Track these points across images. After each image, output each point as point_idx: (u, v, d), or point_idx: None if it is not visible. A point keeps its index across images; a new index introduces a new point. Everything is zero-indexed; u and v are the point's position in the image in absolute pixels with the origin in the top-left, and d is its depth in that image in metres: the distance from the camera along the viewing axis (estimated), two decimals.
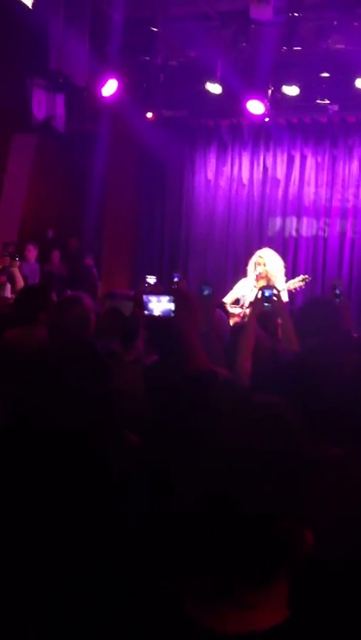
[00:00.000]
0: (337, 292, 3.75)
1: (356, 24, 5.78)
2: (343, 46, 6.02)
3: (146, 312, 2.23)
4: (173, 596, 1.06)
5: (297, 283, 5.87)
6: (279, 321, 3.62)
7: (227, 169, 8.45)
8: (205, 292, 3.31)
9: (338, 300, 3.68)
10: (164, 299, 2.20)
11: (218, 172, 8.49)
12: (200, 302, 3.30)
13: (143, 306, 2.22)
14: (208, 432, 1.17)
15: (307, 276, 5.96)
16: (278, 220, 8.30)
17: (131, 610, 1.15)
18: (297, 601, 1.06)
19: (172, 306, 2.16)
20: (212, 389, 1.89)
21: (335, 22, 5.85)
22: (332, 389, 1.48)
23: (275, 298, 3.59)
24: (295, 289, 5.90)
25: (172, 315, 2.15)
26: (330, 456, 1.56)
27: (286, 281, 6.03)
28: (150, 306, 2.22)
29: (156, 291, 2.51)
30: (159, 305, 2.21)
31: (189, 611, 1.00)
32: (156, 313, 2.21)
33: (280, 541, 0.99)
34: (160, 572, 1.20)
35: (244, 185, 8.41)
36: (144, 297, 2.23)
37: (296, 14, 5.52)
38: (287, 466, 1.04)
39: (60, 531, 1.46)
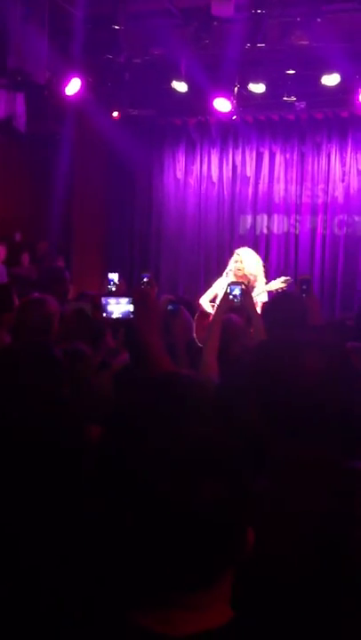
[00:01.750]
0: (304, 287, 3.74)
1: (319, 20, 5.77)
2: (307, 43, 6.01)
3: (104, 314, 2.19)
4: (118, 603, 1.04)
5: (279, 284, 5.83)
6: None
7: (196, 167, 8.43)
8: (170, 308, 3.31)
9: (305, 296, 3.67)
10: (123, 300, 2.16)
11: (187, 171, 8.46)
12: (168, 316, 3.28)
13: (102, 308, 2.18)
14: (157, 434, 1.14)
15: (288, 278, 5.92)
16: (249, 218, 8.30)
17: (77, 619, 1.12)
18: (241, 600, 1.04)
19: (130, 307, 2.12)
20: (171, 392, 1.85)
21: (298, 19, 5.84)
22: (291, 386, 1.45)
23: (244, 294, 3.58)
24: (277, 290, 5.86)
25: (131, 316, 2.11)
26: (295, 456, 1.52)
27: (267, 282, 6.02)
28: (109, 308, 2.17)
29: (117, 292, 2.46)
30: (118, 307, 2.17)
31: (133, 617, 0.98)
32: (115, 315, 2.17)
33: (222, 543, 0.97)
34: (105, 579, 1.17)
35: (213, 183, 8.39)
36: (102, 299, 2.19)
37: (259, 11, 5.49)
38: (233, 467, 1.02)
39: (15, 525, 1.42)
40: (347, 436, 1.91)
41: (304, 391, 1.41)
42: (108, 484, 1.44)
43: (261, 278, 5.80)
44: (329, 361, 1.48)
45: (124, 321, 2.16)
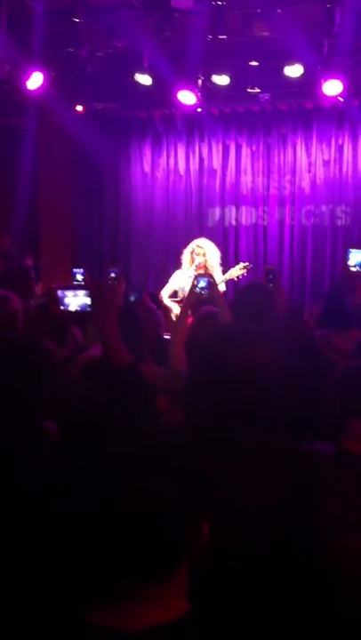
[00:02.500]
0: (270, 276, 3.77)
1: (279, 11, 5.78)
2: (269, 34, 6.02)
3: (62, 307, 2.17)
4: (72, 599, 1.04)
5: (238, 271, 5.87)
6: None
7: (163, 160, 8.40)
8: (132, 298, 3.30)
9: (271, 285, 3.70)
10: (81, 293, 2.15)
11: (154, 164, 8.44)
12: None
13: (58, 301, 2.16)
14: (109, 430, 1.14)
15: (247, 264, 5.97)
16: (217, 210, 8.31)
17: (32, 616, 1.12)
18: (198, 594, 1.04)
19: (88, 300, 2.10)
20: (128, 384, 1.85)
21: (259, 10, 5.84)
22: (241, 376, 1.45)
23: (210, 285, 3.59)
24: (238, 277, 5.90)
25: (89, 309, 2.09)
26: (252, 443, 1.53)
27: (225, 271, 6.03)
28: (66, 301, 2.16)
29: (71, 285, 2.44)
30: (75, 299, 2.15)
31: (87, 614, 0.98)
32: (72, 308, 2.15)
33: (174, 538, 0.97)
34: (60, 575, 1.16)
35: (181, 176, 8.38)
36: (59, 292, 2.17)
37: (219, 2, 5.48)
38: (185, 462, 1.02)
39: None
40: (308, 420, 1.94)
41: (254, 380, 1.42)
42: (61, 479, 1.44)
43: (219, 268, 5.82)
44: (280, 350, 1.50)
45: (81, 313, 2.15)
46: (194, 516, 1.01)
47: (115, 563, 0.96)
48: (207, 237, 6.99)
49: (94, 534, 0.99)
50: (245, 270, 5.88)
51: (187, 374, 2.62)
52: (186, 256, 5.85)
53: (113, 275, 4.30)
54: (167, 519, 0.96)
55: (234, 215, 8.26)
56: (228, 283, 5.90)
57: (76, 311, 2.16)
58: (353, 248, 3.97)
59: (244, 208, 8.23)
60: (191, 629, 0.98)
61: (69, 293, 2.17)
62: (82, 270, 4.01)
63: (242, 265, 5.92)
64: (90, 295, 2.08)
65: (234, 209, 8.25)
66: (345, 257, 3.99)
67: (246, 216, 8.23)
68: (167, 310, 5.68)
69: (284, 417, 1.70)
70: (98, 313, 2.00)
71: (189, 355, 2.84)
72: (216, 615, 1.03)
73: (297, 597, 1.15)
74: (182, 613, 0.99)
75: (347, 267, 3.89)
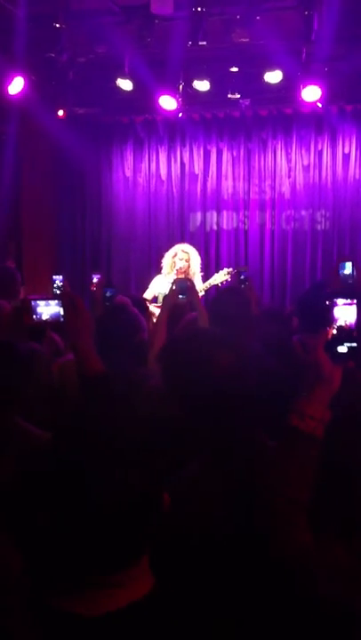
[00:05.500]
0: (242, 277, 3.82)
1: (258, 18, 5.86)
2: (248, 40, 6.10)
3: (34, 317, 2.20)
4: (36, 585, 1.04)
5: (222, 277, 5.89)
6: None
7: (144, 165, 8.44)
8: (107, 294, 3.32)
9: (243, 286, 3.74)
10: (53, 302, 2.17)
11: (136, 169, 8.47)
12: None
13: (31, 311, 2.18)
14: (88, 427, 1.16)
15: (231, 269, 5.99)
16: (199, 215, 8.37)
17: None
18: (160, 565, 1.06)
19: (60, 309, 2.13)
20: (103, 393, 1.88)
21: (238, 17, 5.91)
22: (200, 381, 1.49)
23: (189, 290, 3.62)
24: (222, 283, 5.91)
25: (61, 319, 2.12)
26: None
27: (207, 276, 6.07)
28: (39, 310, 2.18)
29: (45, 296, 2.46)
30: (48, 309, 2.18)
31: (54, 600, 0.98)
32: (44, 317, 2.18)
33: (140, 528, 0.99)
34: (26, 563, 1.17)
35: (162, 181, 8.42)
36: (32, 302, 2.19)
37: (199, 9, 5.54)
38: (151, 458, 1.04)
39: None
40: (273, 420, 1.97)
41: (214, 384, 1.46)
42: (34, 474, 1.46)
43: (199, 275, 5.84)
44: (239, 354, 1.54)
45: (52, 323, 2.18)
46: (157, 509, 1.02)
47: (80, 552, 0.97)
48: (189, 242, 7.05)
49: (59, 524, 0.99)
50: (229, 276, 5.91)
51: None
52: (167, 260, 5.87)
53: (95, 279, 4.32)
54: (136, 508, 0.98)
55: (215, 220, 8.32)
56: (210, 288, 5.92)
57: (47, 320, 2.19)
58: (344, 261, 3.92)
59: (225, 213, 8.29)
60: (158, 603, 0.99)
61: (42, 303, 2.20)
62: (61, 277, 4.02)
63: (226, 271, 5.94)
64: (62, 305, 2.11)
65: (215, 213, 8.32)
66: (337, 269, 3.90)
67: (227, 221, 8.30)
68: (151, 315, 5.71)
69: (256, 415, 1.74)
70: (70, 323, 2.04)
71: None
72: (180, 586, 1.06)
73: (246, 579, 1.18)
74: (149, 588, 1.00)
75: (339, 276, 3.83)
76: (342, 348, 1.45)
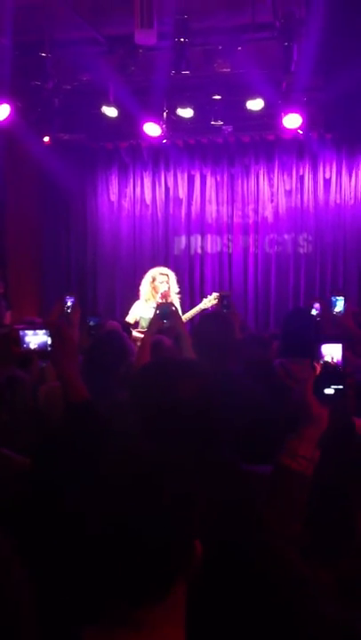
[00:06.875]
0: (225, 302, 3.86)
1: (240, 48, 6.02)
2: (230, 70, 6.25)
3: (24, 346, 2.22)
4: (71, 626, 1.02)
5: (212, 301, 5.84)
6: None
7: (129, 190, 8.55)
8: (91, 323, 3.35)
9: (226, 311, 3.79)
10: (40, 332, 2.20)
11: (120, 194, 8.57)
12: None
13: (20, 341, 2.21)
14: (91, 457, 1.16)
15: (219, 294, 5.95)
16: (183, 239, 8.47)
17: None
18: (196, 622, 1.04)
19: (47, 339, 2.16)
20: (87, 420, 1.91)
21: (220, 47, 6.07)
22: (168, 413, 1.51)
23: (172, 315, 3.65)
24: (211, 307, 5.86)
25: (48, 348, 2.15)
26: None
27: (191, 300, 6.10)
28: (27, 339, 2.21)
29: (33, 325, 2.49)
30: (36, 338, 2.21)
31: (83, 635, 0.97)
32: (33, 346, 2.21)
33: (162, 556, 0.97)
34: (54, 601, 1.16)
35: (147, 205, 8.52)
36: (20, 332, 2.22)
37: (182, 39, 5.69)
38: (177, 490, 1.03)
39: None
40: (265, 440, 2.01)
41: (179, 414, 1.49)
42: (41, 508, 1.48)
43: (177, 296, 5.85)
44: (202, 386, 1.57)
45: (40, 352, 2.22)
46: (179, 536, 0.99)
47: (100, 583, 0.96)
48: (173, 265, 7.11)
49: (70, 558, 0.98)
50: (217, 301, 5.86)
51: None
52: (145, 287, 5.84)
53: (69, 302, 4.32)
54: (149, 538, 0.96)
55: (199, 243, 8.42)
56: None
57: (35, 349, 2.23)
58: (336, 295, 3.94)
59: (209, 236, 8.40)
60: None
61: (29, 332, 2.24)
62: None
63: (214, 295, 5.89)
64: (49, 334, 2.15)
65: (199, 237, 8.42)
66: (330, 305, 3.90)
67: (211, 244, 8.40)
68: (135, 340, 5.72)
69: (238, 439, 1.78)
70: (56, 351, 2.07)
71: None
72: None
73: (233, 605, 1.19)
74: None
75: (331, 314, 3.83)
76: (329, 390, 1.50)
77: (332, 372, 1.53)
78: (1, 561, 1.05)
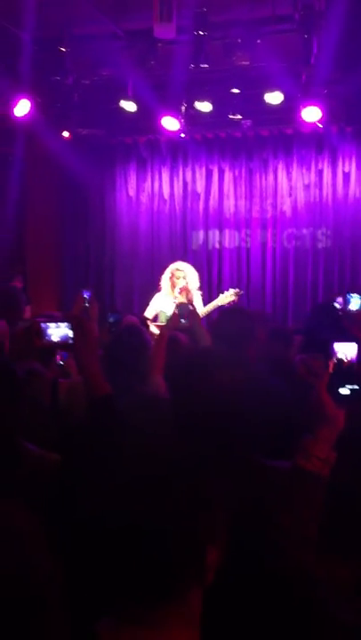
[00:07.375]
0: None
1: (259, 41, 5.99)
2: (249, 63, 6.22)
3: (45, 339, 2.23)
4: (86, 620, 1.03)
5: (229, 297, 5.78)
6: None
7: (147, 185, 8.55)
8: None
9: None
10: (63, 324, 2.21)
11: (139, 189, 8.58)
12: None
13: (42, 334, 2.22)
14: (112, 453, 1.17)
15: (238, 290, 5.91)
16: (201, 233, 8.45)
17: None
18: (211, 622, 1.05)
19: (69, 331, 2.17)
20: (109, 414, 1.92)
21: (239, 40, 6.04)
22: (201, 400, 1.52)
23: (192, 314, 3.67)
24: (229, 303, 5.80)
25: (70, 341, 2.16)
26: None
27: (208, 295, 6.08)
28: (49, 332, 2.22)
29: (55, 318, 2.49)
30: (58, 331, 2.22)
31: (103, 636, 0.98)
32: (55, 339, 2.22)
33: (180, 555, 0.98)
34: (73, 596, 1.17)
35: (165, 200, 8.52)
36: (42, 325, 2.23)
37: (200, 33, 5.67)
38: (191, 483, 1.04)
39: None
40: (285, 438, 2.00)
41: (214, 404, 1.50)
42: (65, 503, 1.49)
43: (198, 292, 5.83)
44: (232, 375, 1.57)
45: (61, 344, 2.22)
46: (194, 536, 1.00)
47: (118, 579, 0.98)
48: (191, 260, 7.09)
49: (91, 553, 1.01)
50: (237, 297, 5.81)
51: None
52: (165, 281, 5.85)
53: (86, 296, 4.34)
54: (160, 537, 0.97)
55: (217, 238, 8.40)
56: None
57: (57, 342, 2.24)
58: (353, 293, 3.91)
59: (227, 231, 8.37)
60: None
61: (52, 325, 2.25)
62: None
63: (233, 292, 5.83)
64: (71, 327, 2.16)
65: (217, 232, 8.40)
66: (345, 302, 3.88)
67: (229, 239, 8.37)
68: (151, 335, 5.72)
69: (260, 436, 1.78)
70: (77, 344, 2.08)
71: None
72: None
73: (248, 606, 1.19)
74: None
75: (348, 311, 3.82)
76: (344, 391, 1.46)
77: (346, 371, 1.49)
78: (32, 535, 1.07)
